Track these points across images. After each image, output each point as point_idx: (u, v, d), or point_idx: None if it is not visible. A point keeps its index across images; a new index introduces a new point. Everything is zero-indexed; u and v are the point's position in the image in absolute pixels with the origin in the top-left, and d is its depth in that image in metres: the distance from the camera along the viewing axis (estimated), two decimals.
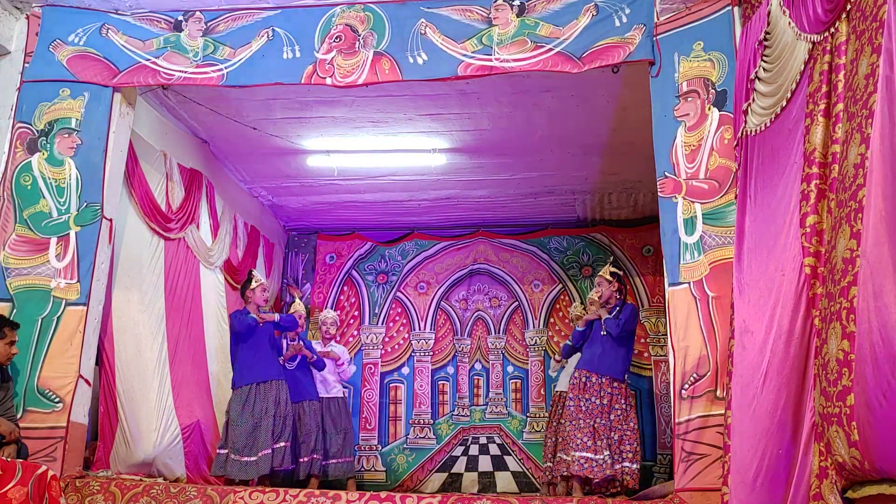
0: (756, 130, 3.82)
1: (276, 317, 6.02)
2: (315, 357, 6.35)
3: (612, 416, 5.28)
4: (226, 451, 5.47)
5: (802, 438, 3.00)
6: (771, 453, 3.15)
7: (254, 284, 5.92)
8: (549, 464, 6.44)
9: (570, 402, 5.45)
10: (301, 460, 5.98)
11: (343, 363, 6.66)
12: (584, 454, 5.19)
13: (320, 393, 6.42)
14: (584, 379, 5.42)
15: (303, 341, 6.36)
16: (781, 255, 3.35)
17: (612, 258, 7.47)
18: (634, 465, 5.26)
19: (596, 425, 5.24)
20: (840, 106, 3.00)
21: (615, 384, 5.36)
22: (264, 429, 5.49)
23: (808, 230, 3.12)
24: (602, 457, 5.16)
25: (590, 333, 5.69)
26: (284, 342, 6.23)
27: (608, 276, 5.70)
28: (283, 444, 5.60)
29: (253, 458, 5.42)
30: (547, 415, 7.15)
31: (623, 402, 5.37)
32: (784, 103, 3.53)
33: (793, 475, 3.02)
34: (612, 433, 5.25)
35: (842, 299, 2.70)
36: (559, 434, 5.98)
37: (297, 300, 7.07)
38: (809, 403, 3.00)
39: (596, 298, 5.86)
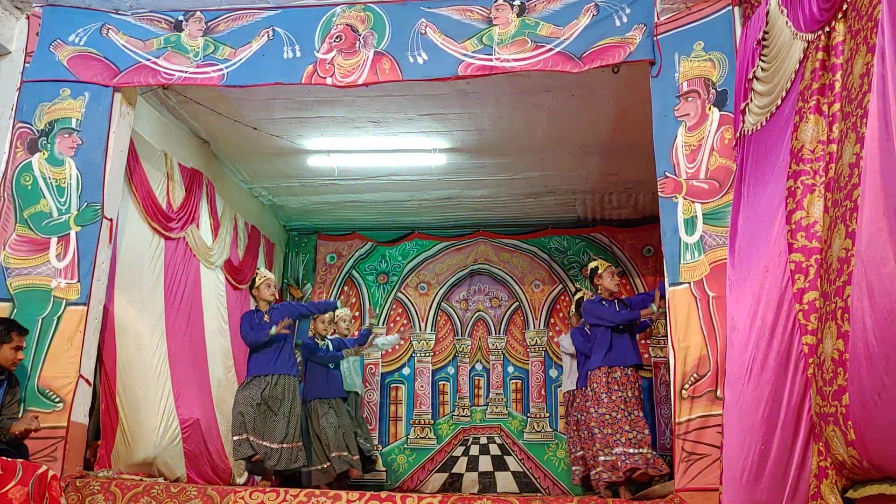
0: (752, 130, 3.83)
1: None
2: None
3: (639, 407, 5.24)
4: (245, 435, 5.40)
5: (801, 438, 3.00)
6: (755, 449, 3.17)
7: (258, 281, 5.86)
8: (578, 453, 6.30)
9: (602, 399, 5.24)
10: (332, 455, 6.03)
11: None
12: (625, 449, 5.04)
13: (352, 387, 6.66)
14: (605, 376, 5.26)
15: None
16: (766, 252, 3.37)
17: (589, 256, 7.46)
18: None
19: (632, 418, 5.10)
20: (837, 106, 3.00)
21: (634, 371, 5.31)
22: (281, 421, 5.52)
23: (794, 226, 3.12)
24: (642, 451, 5.01)
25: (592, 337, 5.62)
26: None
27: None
28: (298, 443, 5.63)
29: (273, 446, 5.45)
30: (563, 415, 7.28)
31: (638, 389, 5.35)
32: (779, 102, 3.55)
33: (788, 474, 3.02)
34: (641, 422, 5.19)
35: (837, 298, 2.70)
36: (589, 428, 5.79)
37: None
38: (793, 399, 3.00)
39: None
